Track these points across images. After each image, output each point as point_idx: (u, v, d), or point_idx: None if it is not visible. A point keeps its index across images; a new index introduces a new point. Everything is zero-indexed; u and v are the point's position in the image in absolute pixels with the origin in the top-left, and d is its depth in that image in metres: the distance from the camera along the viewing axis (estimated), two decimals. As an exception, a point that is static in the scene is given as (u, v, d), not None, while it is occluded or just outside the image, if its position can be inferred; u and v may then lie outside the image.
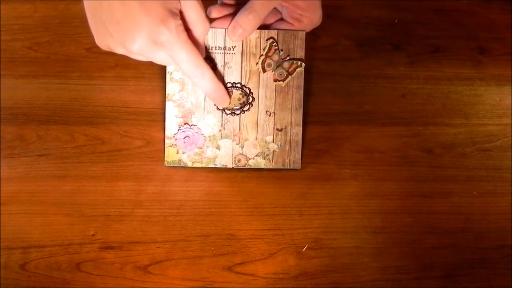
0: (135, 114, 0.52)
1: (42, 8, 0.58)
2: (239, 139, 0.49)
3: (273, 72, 0.48)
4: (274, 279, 0.45)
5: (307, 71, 0.55)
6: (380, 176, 0.51)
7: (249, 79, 0.48)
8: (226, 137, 0.49)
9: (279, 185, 0.50)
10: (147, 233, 0.47)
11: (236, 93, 0.48)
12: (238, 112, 0.48)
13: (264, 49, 0.47)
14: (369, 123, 0.53)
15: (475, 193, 0.50)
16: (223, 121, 0.49)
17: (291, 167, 0.50)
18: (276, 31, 0.47)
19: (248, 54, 0.47)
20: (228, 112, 0.48)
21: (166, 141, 0.49)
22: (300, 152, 0.50)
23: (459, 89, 0.56)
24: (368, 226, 0.48)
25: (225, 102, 0.47)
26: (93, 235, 0.46)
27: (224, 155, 0.50)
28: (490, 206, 0.50)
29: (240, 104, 0.48)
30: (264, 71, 0.48)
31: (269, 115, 0.49)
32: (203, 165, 0.50)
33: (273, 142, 0.49)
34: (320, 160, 0.51)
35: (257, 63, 0.48)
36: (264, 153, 0.49)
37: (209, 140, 0.49)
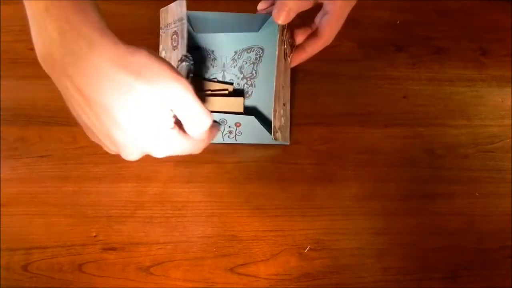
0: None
1: (44, 9, 0.58)
2: (272, 111, 0.46)
3: (286, 46, 0.47)
4: (276, 280, 0.45)
5: (309, 72, 0.55)
6: (382, 177, 0.51)
7: (279, 51, 0.45)
8: None
9: (281, 186, 0.50)
10: (149, 234, 0.47)
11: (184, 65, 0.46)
12: None
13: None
14: (371, 124, 0.53)
15: (477, 194, 0.50)
16: None
17: (284, 142, 0.50)
18: None
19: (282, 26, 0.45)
20: None
21: None
22: (289, 129, 0.51)
23: (461, 90, 0.56)
24: (370, 227, 0.48)
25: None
26: (95, 236, 0.46)
27: None
28: (492, 207, 0.50)
29: (186, 77, 0.45)
30: (283, 44, 0.46)
31: (282, 88, 0.48)
32: None
33: (282, 117, 0.49)
34: (322, 161, 0.51)
35: (282, 34, 0.46)
36: (281, 128, 0.48)
37: None
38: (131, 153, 0.36)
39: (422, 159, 0.52)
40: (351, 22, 0.59)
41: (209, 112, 0.36)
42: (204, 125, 0.36)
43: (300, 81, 0.55)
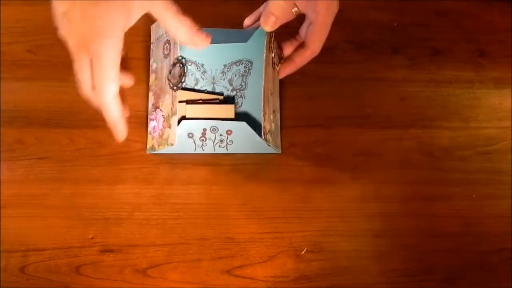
0: (134, 117, 0.52)
1: (42, 11, 0.58)
2: (262, 112, 0.47)
3: (274, 55, 0.48)
4: (273, 282, 0.45)
5: (306, 74, 0.55)
6: (379, 179, 0.51)
7: (266, 55, 0.47)
8: (174, 114, 0.46)
9: (278, 188, 0.50)
10: (146, 236, 0.47)
11: (177, 67, 0.47)
12: (179, 85, 0.46)
13: (272, 32, 0.47)
14: (369, 126, 0.53)
15: (474, 196, 0.50)
16: (173, 98, 0.47)
17: (275, 151, 0.50)
18: None
19: (272, 32, 0.47)
20: (174, 88, 0.46)
21: (148, 128, 0.50)
22: (280, 138, 0.51)
23: (459, 92, 0.56)
24: (367, 229, 0.48)
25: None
26: (92, 238, 0.46)
27: (172, 133, 0.47)
28: (489, 209, 0.50)
29: (179, 76, 0.46)
30: (271, 52, 0.48)
31: (271, 94, 0.49)
32: (163, 147, 0.48)
33: (272, 122, 0.49)
34: (319, 163, 0.51)
35: (270, 42, 0.47)
36: (270, 132, 0.49)
37: (166, 121, 0.48)
38: (109, 74, 0.35)
39: (420, 161, 0.52)
40: (349, 24, 0.59)
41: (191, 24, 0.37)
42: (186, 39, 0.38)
43: (297, 83, 0.55)
